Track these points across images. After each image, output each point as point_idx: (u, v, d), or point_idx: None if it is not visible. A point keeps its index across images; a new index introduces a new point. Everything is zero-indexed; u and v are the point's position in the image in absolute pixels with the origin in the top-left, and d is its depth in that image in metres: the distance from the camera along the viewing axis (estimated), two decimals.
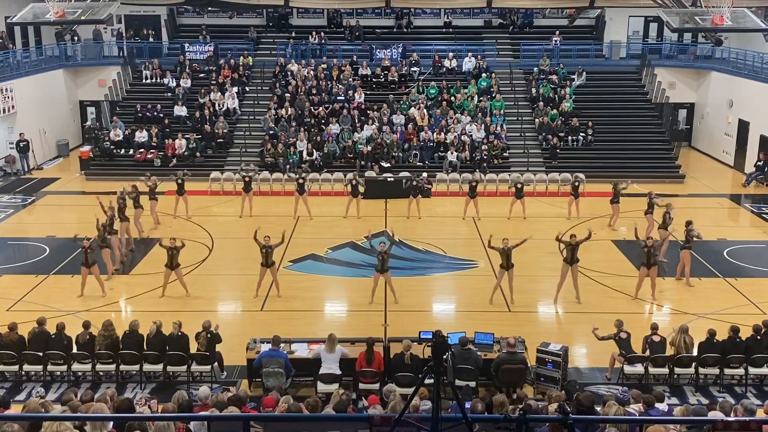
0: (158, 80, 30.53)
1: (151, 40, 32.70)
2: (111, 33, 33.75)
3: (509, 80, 30.60)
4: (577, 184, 22.02)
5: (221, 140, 27.44)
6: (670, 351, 13.07)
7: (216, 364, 13.02)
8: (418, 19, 34.32)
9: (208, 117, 28.24)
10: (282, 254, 18.25)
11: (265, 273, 16.41)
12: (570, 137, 27.83)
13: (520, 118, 28.74)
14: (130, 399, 9.58)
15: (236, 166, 25.98)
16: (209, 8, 34.01)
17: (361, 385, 12.32)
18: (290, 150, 26.53)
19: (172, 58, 31.59)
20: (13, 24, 28.88)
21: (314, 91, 29.43)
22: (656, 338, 13.07)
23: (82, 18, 26.56)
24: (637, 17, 33.91)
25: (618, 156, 27.58)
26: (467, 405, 9.32)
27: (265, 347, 12.57)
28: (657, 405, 9.99)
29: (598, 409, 8.87)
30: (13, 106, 27.31)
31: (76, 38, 32.55)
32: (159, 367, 13.02)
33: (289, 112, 28.25)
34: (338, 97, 29.07)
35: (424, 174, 23.63)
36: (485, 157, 26.43)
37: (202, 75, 30.76)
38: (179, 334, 13.00)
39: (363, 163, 26.16)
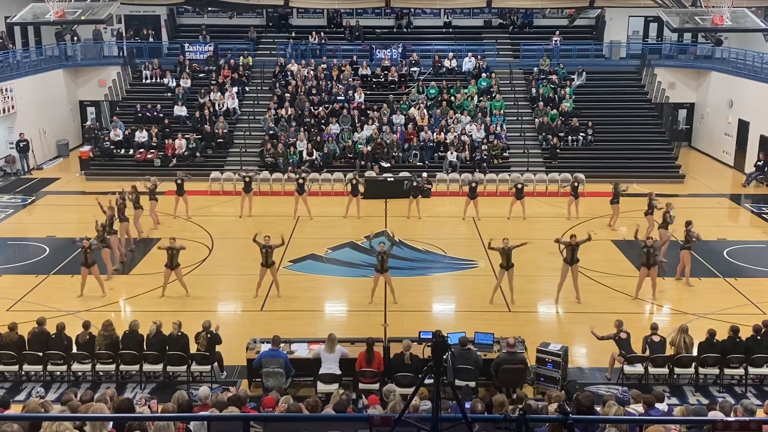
0: (158, 80, 30.54)
1: (151, 40, 32.70)
2: (111, 33, 33.75)
3: (509, 80, 30.60)
4: (576, 184, 22.01)
5: (221, 140, 27.44)
6: (670, 351, 13.07)
7: (216, 364, 13.02)
8: (418, 19, 34.33)
9: (208, 117, 28.24)
10: (282, 254, 18.25)
11: (265, 273, 16.41)
12: (570, 137, 27.83)
13: (520, 118, 28.74)
14: (130, 399, 9.57)
15: (236, 166, 26.03)
16: (209, 8, 34.01)
17: (361, 385, 12.32)
18: (290, 150, 26.53)
19: (172, 58, 31.59)
20: (13, 24, 28.89)
21: (314, 91, 29.43)
22: (656, 338, 13.07)
23: (82, 18, 26.57)
24: (637, 17, 33.91)
25: (618, 156, 27.58)
26: (467, 405, 9.32)
27: (265, 347, 12.57)
28: (657, 405, 9.99)
29: (598, 409, 8.88)
30: (13, 106, 27.31)
31: (76, 38, 32.55)
32: (159, 367, 13.02)
33: (289, 112, 28.25)
34: (338, 97, 29.07)
35: (424, 174, 23.62)
36: (485, 157, 26.43)
37: (202, 75, 30.76)
38: (179, 334, 13.00)
39: (363, 163, 26.16)
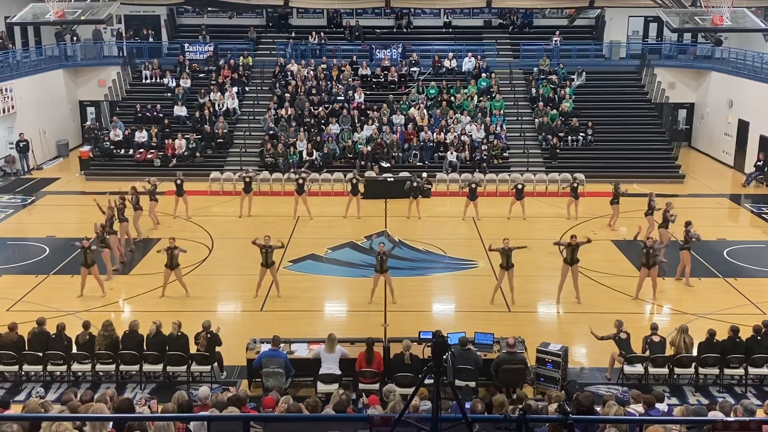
0: (158, 80, 30.54)
1: (150, 40, 32.69)
2: (111, 33, 33.74)
3: (509, 80, 30.60)
4: (576, 185, 22.01)
5: (221, 140, 27.44)
6: (669, 351, 13.07)
7: (216, 364, 13.02)
8: (418, 19, 34.33)
9: (207, 117, 28.24)
10: (282, 254, 18.24)
11: (265, 273, 16.41)
12: (570, 137, 27.83)
13: (519, 118, 28.74)
14: (130, 399, 9.57)
15: (236, 167, 26.05)
16: (209, 8, 34.01)
17: (361, 385, 12.32)
18: (290, 150, 26.53)
19: (172, 58, 31.58)
20: (12, 24, 28.88)
21: (314, 91, 29.43)
22: (656, 338, 13.07)
23: (82, 18, 26.57)
24: (636, 17, 33.90)
25: (618, 156, 27.58)
26: (467, 405, 9.32)
27: (265, 347, 12.57)
28: (657, 405, 9.99)
29: (598, 409, 8.88)
30: (12, 106, 27.30)
31: (75, 38, 32.55)
32: (159, 367, 13.02)
33: (289, 112, 28.25)
34: (338, 97, 29.07)
35: (424, 174, 23.62)
36: (485, 157, 26.43)
37: (201, 75, 30.75)
38: (179, 334, 13.00)
39: (363, 163, 26.16)
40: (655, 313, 16.28)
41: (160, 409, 9.65)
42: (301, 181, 22.14)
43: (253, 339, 13.23)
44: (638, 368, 13.01)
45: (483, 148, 26.68)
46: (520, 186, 22.18)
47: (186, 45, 31.76)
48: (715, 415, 8.76)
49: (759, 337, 13.06)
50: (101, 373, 13.13)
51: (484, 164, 26.21)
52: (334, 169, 26.02)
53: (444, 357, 5.61)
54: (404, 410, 6.10)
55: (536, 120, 28.52)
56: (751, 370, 13.03)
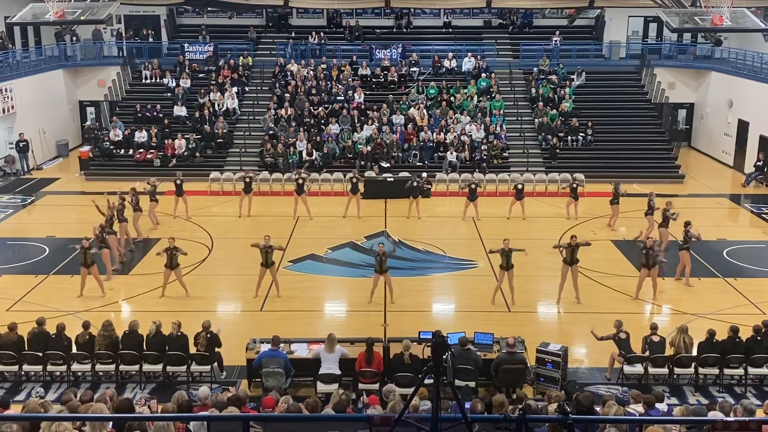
0: (158, 80, 30.54)
1: (150, 40, 32.69)
2: (111, 33, 33.73)
3: (509, 80, 30.60)
4: (575, 185, 22.01)
5: (221, 140, 27.44)
6: (669, 351, 13.07)
7: (216, 364, 13.02)
8: (418, 19, 34.32)
9: (207, 117, 28.23)
10: (282, 254, 18.24)
11: (265, 273, 16.41)
12: (570, 137, 27.83)
13: (519, 118, 28.74)
14: (130, 399, 9.57)
15: (236, 167, 26.05)
16: (209, 8, 34.01)
17: (361, 385, 12.32)
18: (290, 150, 26.53)
19: (172, 59, 31.58)
20: (12, 24, 28.88)
21: (314, 91, 29.43)
22: (656, 338, 13.07)
23: (82, 18, 26.58)
24: (636, 17, 33.90)
25: (618, 156, 27.58)
26: (467, 405, 9.32)
27: (265, 347, 12.57)
28: (657, 405, 10.00)
29: (598, 409, 8.88)
30: (12, 107, 27.30)
31: (75, 38, 32.55)
32: (158, 367, 13.02)
33: (289, 112, 28.25)
34: (338, 97, 29.07)
35: (424, 174, 23.62)
36: (485, 157, 26.43)
37: (201, 75, 30.75)
38: (179, 334, 12.99)
39: (363, 163, 26.16)
40: (655, 313, 16.28)
41: (159, 409, 9.65)
42: (300, 181, 22.15)
43: (253, 339, 13.23)
44: (638, 368, 13.01)
45: (483, 148, 26.69)
46: (519, 186, 22.19)
47: (186, 45, 31.76)
48: (715, 415, 8.77)
49: (759, 337, 13.06)
50: (101, 373, 13.13)
51: (484, 164, 26.22)
52: (334, 169, 26.02)
53: (444, 357, 5.61)
54: (404, 410, 6.10)
55: (536, 120, 28.52)
56: (751, 370, 13.03)
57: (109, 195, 19.87)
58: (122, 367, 13.03)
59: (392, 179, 24.66)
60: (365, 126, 27.61)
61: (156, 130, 27.61)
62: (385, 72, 30.28)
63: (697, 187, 26.26)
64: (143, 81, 30.81)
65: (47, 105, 29.51)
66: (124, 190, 20.10)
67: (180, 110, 28.71)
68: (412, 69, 30.62)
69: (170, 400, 9.29)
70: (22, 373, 13.07)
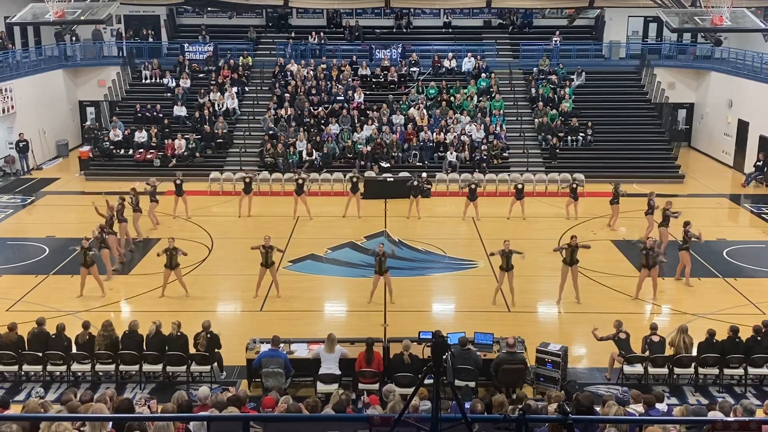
0: (158, 80, 30.54)
1: (150, 40, 32.69)
2: (110, 33, 33.73)
3: (509, 80, 30.60)
4: (575, 186, 22.01)
5: (221, 140, 27.44)
6: (669, 351, 13.07)
7: (215, 364, 13.02)
8: (418, 19, 34.33)
9: (207, 117, 28.23)
10: (282, 254, 18.24)
11: (265, 273, 16.41)
12: (569, 137, 27.83)
13: (519, 118, 28.74)
14: (130, 399, 9.57)
15: (236, 167, 26.05)
16: (209, 8, 34.01)
17: (361, 386, 12.32)
18: (290, 150, 26.53)
19: (172, 59, 31.58)
20: (12, 24, 28.87)
21: (314, 91, 29.43)
22: (655, 338, 13.07)
23: (82, 18, 26.58)
24: (636, 17, 33.90)
25: (618, 156, 27.58)
26: (467, 405, 9.32)
27: (265, 347, 12.57)
28: (657, 405, 9.99)
29: (598, 409, 8.88)
30: (12, 107, 27.30)
31: (75, 38, 32.55)
32: (158, 367, 13.01)
33: (289, 112, 28.25)
34: (338, 97, 29.07)
35: (424, 174, 23.62)
36: (485, 157, 26.43)
37: (201, 75, 30.75)
38: (179, 334, 12.99)
39: (363, 163, 26.16)
40: (655, 313, 16.28)
41: (159, 409, 9.65)
42: (300, 181, 22.15)
43: (253, 339, 13.23)
44: (638, 368, 13.01)
45: (483, 148, 26.69)
46: (519, 186, 22.19)
47: (186, 45, 31.76)
48: (715, 415, 8.77)
49: (759, 337, 13.05)
50: (101, 373, 13.13)
51: (484, 164, 26.22)
52: (334, 169, 26.02)
53: (444, 357, 5.61)
54: (404, 410, 6.10)
55: (536, 120, 28.52)
56: (751, 370, 13.03)
57: (107, 195, 19.85)
58: (122, 367, 13.03)
59: (392, 179, 24.67)
60: (365, 126, 27.61)
61: (156, 130, 27.61)
62: (385, 72, 30.28)
63: (697, 187, 26.26)
64: (143, 81, 30.81)
65: (47, 105, 29.51)
66: (124, 191, 20.10)
67: (180, 110, 28.71)
68: (412, 69, 30.62)
69: (170, 400, 9.29)
70: (22, 373, 13.07)
